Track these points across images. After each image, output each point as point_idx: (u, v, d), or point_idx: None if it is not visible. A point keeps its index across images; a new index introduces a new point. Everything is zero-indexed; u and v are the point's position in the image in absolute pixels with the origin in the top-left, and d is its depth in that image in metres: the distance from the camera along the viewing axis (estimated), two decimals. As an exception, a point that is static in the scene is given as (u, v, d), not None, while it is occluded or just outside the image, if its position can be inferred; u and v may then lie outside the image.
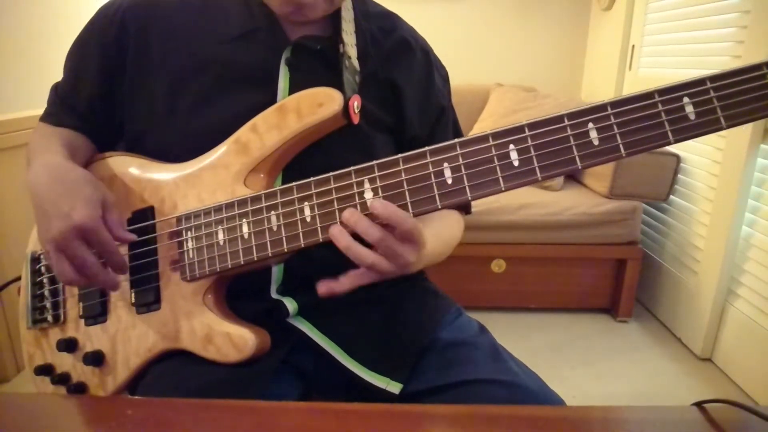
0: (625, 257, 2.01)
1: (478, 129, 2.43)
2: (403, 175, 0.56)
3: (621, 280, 2.04)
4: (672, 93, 0.50)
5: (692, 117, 0.49)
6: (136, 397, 0.65)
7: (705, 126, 0.49)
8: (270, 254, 0.60)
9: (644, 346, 1.93)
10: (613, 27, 2.41)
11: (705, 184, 1.81)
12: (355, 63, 0.69)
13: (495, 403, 0.61)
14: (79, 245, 0.58)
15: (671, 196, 2.00)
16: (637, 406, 0.54)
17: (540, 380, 0.67)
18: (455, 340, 0.72)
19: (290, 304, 0.69)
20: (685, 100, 0.49)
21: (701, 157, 1.85)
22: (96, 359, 0.68)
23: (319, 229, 0.58)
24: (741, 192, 1.63)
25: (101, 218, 0.60)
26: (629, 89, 2.32)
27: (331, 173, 0.58)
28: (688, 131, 0.50)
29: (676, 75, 1.99)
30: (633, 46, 2.28)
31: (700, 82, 0.49)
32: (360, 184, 0.57)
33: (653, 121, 0.50)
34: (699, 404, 0.53)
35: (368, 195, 0.57)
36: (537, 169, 0.52)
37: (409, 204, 0.56)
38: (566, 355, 1.87)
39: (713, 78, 0.49)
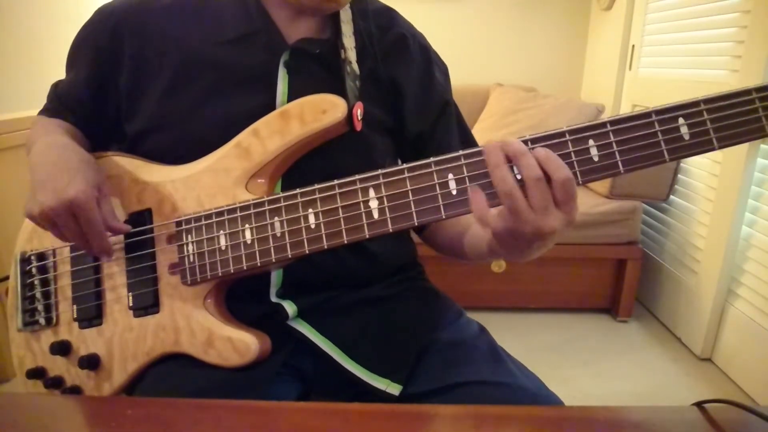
0: (625, 257, 2.01)
1: (479, 129, 2.43)
2: (408, 184, 0.56)
3: (621, 280, 2.04)
4: (668, 113, 0.52)
5: (687, 137, 0.52)
6: (136, 397, 0.64)
7: (698, 146, 0.52)
8: (273, 260, 0.60)
9: (644, 346, 1.92)
10: (613, 27, 2.41)
11: (705, 184, 1.81)
12: (356, 67, 0.69)
13: (493, 405, 0.61)
14: (69, 220, 0.59)
15: (671, 196, 2.00)
16: (637, 406, 0.54)
17: (539, 381, 0.67)
18: (455, 340, 0.72)
19: (290, 307, 0.68)
20: (681, 120, 0.52)
21: (701, 156, 1.84)
22: (91, 363, 0.67)
23: (324, 236, 0.58)
24: (741, 192, 1.63)
25: (96, 200, 0.60)
26: (629, 89, 2.32)
27: (336, 181, 0.58)
28: (683, 150, 0.52)
29: (676, 75, 1.99)
30: (633, 46, 2.28)
31: (695, 104, 0.51)
32: (365, 192, 0.57)
33: (650, 140, 0.52)
34: (699, 404, 0.53)
35: (373, 204, 0.57)
36: None
37: (414, 213, 0.56)
38: (566, 355, 1.87)
39: (707, 100, 0.51)
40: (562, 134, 0.53)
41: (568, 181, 0.50)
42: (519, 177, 0.52)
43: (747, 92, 0.51)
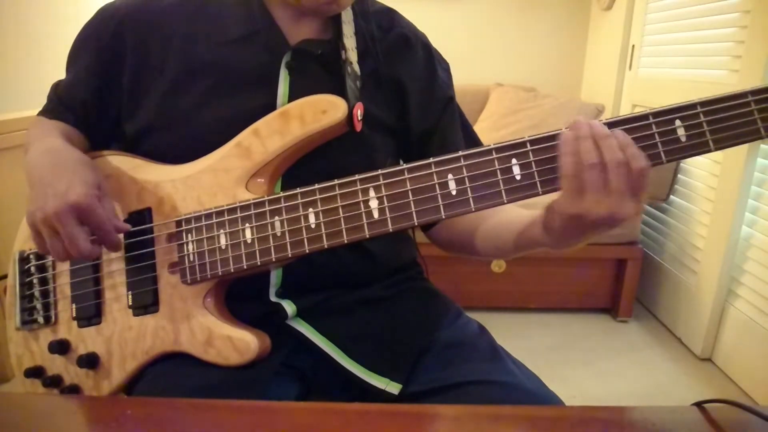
0: (625, 257, 2.01)
1: (478, 129, 2.42)
2: (408, 185, 0.56)
3: (621, 280, 2.04)
4: (665, 116, 0.52)
5: (683, 139, 0.52)
6: (135, 397, 0.64)
7: (695, 148, 0.52)
8: (274, 259, 0.60)
9: (644, 346, 1.92)
10: (613, 27, 2.41)
11: (705, 184, 1.81)
12: (357, 68, 0.69)
13: (493, 404, 0.61)
14: (73, 223, 0.58)
15: (671, 196, 2.00)
16: (637, 406, 0.54)
17: (539, 381, 0.67)
18: (454, 340, 0.72)
19: (289, 307, 0.68)
20: (677, 123, 0.52)
21: (701, 156, 1.84)
22: (90, 362, 0.67)
23: (324, 235, 0.58)
24: (741, 192, 1.63)
25: (97, 199, 0.60)
26: (629, 89, 2.32)
27: (336, 180, 0.58)
28: (680, 152, 0.52)
29: (676, 75, 1.99)
30: (633, 46, 2.28)
31: (692, 106, 0.52)
32: (365, 192, 0.57)
33: (647, 142, 0.52)
34: (699, 404, 0.53)
35: (373, 204, 0.57)
36: (538, 183, 0.54)
37: (414, 213, 0.56)
38: (566, 355, 1.87)
39: (703, 103, 0.52)
40: (561, 135, 0.53)
41: (647, 169, 0.50)
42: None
43: (743, 95, 0.51)
